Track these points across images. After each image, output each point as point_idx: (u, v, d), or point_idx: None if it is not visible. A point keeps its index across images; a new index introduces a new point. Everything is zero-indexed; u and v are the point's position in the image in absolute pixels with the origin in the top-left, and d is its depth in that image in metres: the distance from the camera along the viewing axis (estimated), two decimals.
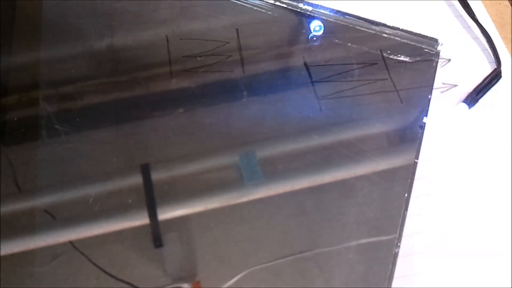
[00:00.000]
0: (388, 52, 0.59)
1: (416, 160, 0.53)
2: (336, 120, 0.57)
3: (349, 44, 0.60)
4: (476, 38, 0.63)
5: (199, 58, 0.60)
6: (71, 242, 0.50)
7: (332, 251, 0.51)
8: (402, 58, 0.58)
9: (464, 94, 0.59)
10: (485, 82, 0.59)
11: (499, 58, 0.61)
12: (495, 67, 0.61)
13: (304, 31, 0.61)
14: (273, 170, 0.54)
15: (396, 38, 0.59)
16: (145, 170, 0.53)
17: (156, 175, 0.53)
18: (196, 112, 0.58)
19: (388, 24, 0.58)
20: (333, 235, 0.52)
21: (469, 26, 0.64)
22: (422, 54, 0.59)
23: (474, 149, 0.57)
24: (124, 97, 0.59)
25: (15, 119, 0.56)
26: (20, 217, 0.51)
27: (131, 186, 0.53)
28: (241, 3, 0.60)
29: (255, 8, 0.60)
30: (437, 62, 0.58)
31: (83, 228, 0.50)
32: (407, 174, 0.53)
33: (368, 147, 0.55)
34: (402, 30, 0.59)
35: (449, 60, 0.58)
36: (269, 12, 0.61)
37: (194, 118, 0.58)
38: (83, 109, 0.58)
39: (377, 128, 0.57)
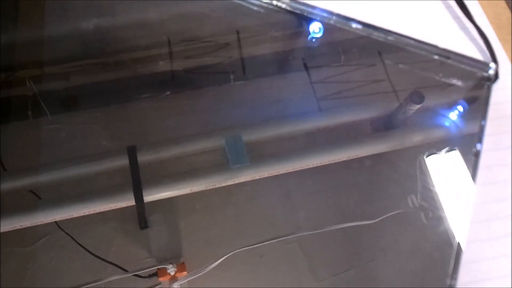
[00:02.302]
0: (440, 75, 0.57)
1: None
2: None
3: (400, 66, 0.59)
4: (473, 39, 0.63)
5: (200, 59, 0.60)
6: (56, 223, 0.51)
7: (315, 235, 0.52)
8: (454, 82, 0.58)
9: (461, 94, 0.60)
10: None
11: (496, 59, 0.60)
12: None
13: (303, 33, 0.61)
14: (259, 154, 0.54)
15: (448, 61, 0.56)
16: (132, 152, 0.53)
17: (143, 157, 0.53)
18: (183, 95, 0.58)
19: (439, 46, 0.56)
20: (317, 219, 0.53)
21: (467, 28, 0.63)
22: (475, 78, 0.57)
23: None
24: (111, 79, 0.59)
25: (1, 98, 0.56)
26: (5, 197, 0.51)
27: (117, 167, 0.53)
28: (242, 3, 0.59)
29: (255, 10, 0.60)
30: (489, 87, 0.56)
31: (68, 208, 0.50)
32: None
33: (351, 132, 0.56)
34: (453, 52, 0.57)
35: (449, 57, 0.57)
36: (270, 14, 0.60)
37: (182, 101, 0.58)
38: (70, 90, 0.57)
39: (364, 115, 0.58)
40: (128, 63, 0.59)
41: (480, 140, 0.53)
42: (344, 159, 0.54)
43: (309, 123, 0.56)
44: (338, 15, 0.56)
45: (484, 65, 0.56)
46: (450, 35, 0.63)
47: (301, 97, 0.58)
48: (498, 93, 0.59)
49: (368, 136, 0.56)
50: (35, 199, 0.52)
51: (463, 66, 0.56)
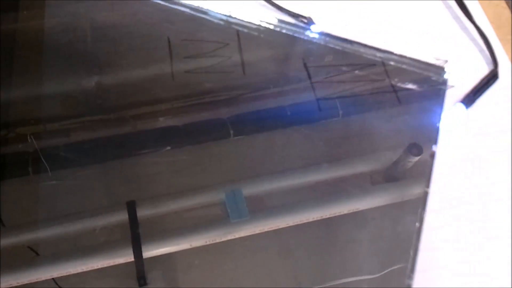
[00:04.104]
0: (396, 80, 0.58)
1: (427, 189, 0.51)
2: (326, 153, 0.58)
3: (356, 72, 0.59)
4: (473, 40, 0.64)
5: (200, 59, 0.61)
6: (54, 280, 0.50)
7: None
8: (410, 86, 0.58)
9: (461, 95, 0.60)
10: (482, 82, 0.60)
11: (496, 59, 0.62)
12: (492, 68, 0.61)
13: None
14: (259, 208, 0.54)
15: (403, 66, 0.57)
16: (131, 207, 0.53)
17: (142, 212, 0.53)
18: (182, 150, 0.58)
19: (394, 51, 0.57)
20: (318, 274, 0.52)
21: (467, 28, 0.65)
22: (430, 82, 0.57)
23: (472, 149, 0.57)
24: (111, 135, 0.59)
25: (1, 155, 0.56)
26: (3, 253, 0.50)
27: (116, 223, 0.53)
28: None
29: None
30: (444, 90, 0.56)
31: (67, 265, 0.50)
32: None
33: (351, 185, 0.56)
34: (409, 58, 0.57)
35: (446, 61, 0.58)
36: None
37: (181, 156, 0.58)
38: (70, 146, 0.58)
39: (363, 168, 0.58)
40: (129, 119, 0.59)
41: (435, 142, 0.53)
42: (344, 213, 0.54)
43: (309, 177, 0.56)
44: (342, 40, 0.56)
45: (440, 69, 0.56)
46: (450, 35, 0.64)
47: (302, 149, 0.58)
48: (498, 93, 0.59)
49: (368, 189, 0.56)
50: (33, 256, 0.51)
51: (419, 71, 0.56)
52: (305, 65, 0.61)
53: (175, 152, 0.58)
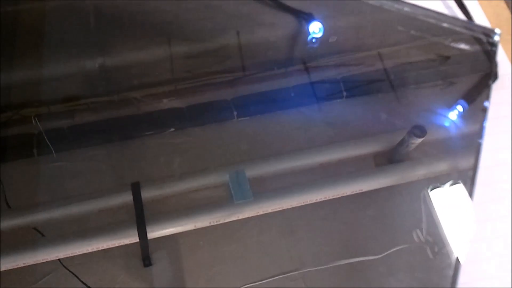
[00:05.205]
0: (449, 40, 0.57)
1: (480, 141, 0.51)
2: (326, 138, 0.58)
3: (412, 32, 0.59)
4: None
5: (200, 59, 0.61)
6: (59, 260, 0.50)
7: (320, 271, 0.51)
8: (462, 46, 0.58)
9: (461, 94, 0.60)
10: (482, 82, 0.60)
11: (496, 59, 0.61)
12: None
13: (303, 33, 0.62)
14: (263, 189, 0.54)
15: (456, 28, 0.56)
16: (136, 189, 0.53)
17: (146, 194, 0.53)
18: (186, 132, 0.58)
19: (447, 14, 0.56)
20: (322, 254, 0.52)
21: None
22: (481, 44, 0.57)
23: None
24: (116, 116, 0.59)
25: (6, 136, 0.57)
26: (9, 234, 0.51)
27: (121, 204, 0.53)
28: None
29: (256, 9, 0.60)
30: (495, 52, 0.56)
31: (72, 246, 0.50)
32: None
33: (352, 167, 0.56)
34: (461, 20, 0.58)
35: (449, 57, 0.57)
36: (270, 14, 0.61)
37: (185, 138, 0.58)
38: (75, 128, 0.58)
39: (366, 149, 0.58)
40: (132, 101, 0.59)
41: (488, 98, 0.53)
42: (347, 194, 0.54)
43: (313, 158, 0.56)
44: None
45: (490, 31, 0.56)
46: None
47: (305, 131, 0.58)
48: (498, 93, 0.59)
49: (372, 170, 0.56)
50: (39, 237, 0.51)
51: (470, 32, 0.56)
52: (304, 65, 0.60)
53: (179, 133, 0.58)
